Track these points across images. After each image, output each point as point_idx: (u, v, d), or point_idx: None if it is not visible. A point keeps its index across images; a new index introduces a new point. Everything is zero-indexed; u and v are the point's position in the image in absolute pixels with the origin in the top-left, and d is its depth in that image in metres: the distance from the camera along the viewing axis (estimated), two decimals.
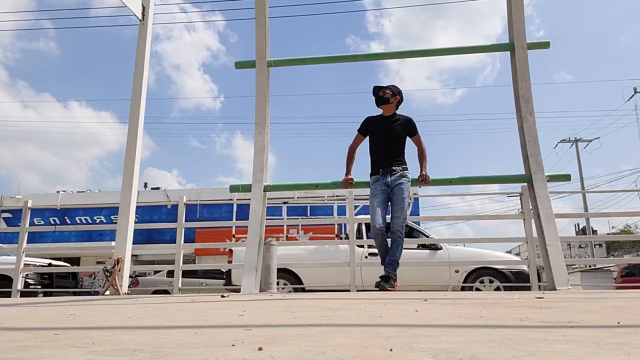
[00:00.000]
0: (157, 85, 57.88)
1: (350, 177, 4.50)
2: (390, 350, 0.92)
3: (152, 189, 25.65)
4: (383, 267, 4.22)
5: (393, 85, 4.48)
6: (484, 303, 2.29)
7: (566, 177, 4.42)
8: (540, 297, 2.67)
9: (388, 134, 4.40)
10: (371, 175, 4.45)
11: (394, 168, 4.30)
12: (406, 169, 4.35)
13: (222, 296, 3.40)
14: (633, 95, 25.18)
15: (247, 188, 4.57)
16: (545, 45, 4.42)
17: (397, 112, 4.49)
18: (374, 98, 4.48)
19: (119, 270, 4.91)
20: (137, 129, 5.16)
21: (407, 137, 4.44)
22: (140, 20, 5.33)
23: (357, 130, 4.58)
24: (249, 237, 4.38)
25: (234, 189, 4.71)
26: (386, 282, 4.05)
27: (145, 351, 0.96)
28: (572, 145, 27.45)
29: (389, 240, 4.23)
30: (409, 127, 4.46)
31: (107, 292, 4.91)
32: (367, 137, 4.51)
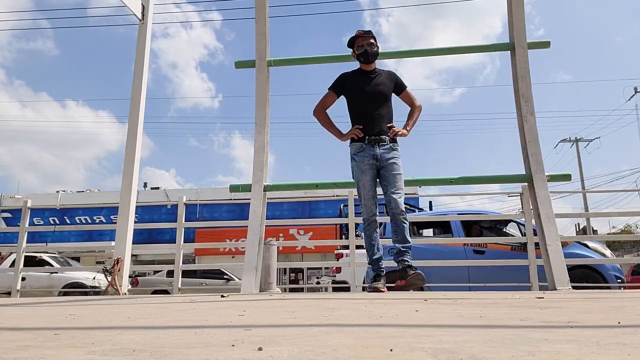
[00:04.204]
0: (154, 85, 57.93)
1: (351, 130, 3.67)
2: (391, 350, 0.92)
3: (151, 188, 25.68)
4: (374, 266, 3.61)
5: (371, 31, 3.75)
6: (484, 303, 2.29)
7: (566, 177, 4.42)
8: (540, 297, 2.67)
9: (372, 92, 3.67)
10: (352, 141, 3.67)
11: (382, 137, 3.59)
12: (395, 140, 3.69)
13: (222, 296, 3.39)
14: (633, 95, 25.22)
15: (247, 188, 4.56)
16: (545, 44, 4.41)
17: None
18: (354, 52, 3.73)
19: (119, 270, 4.91)
20: (136, 128, 5.16)
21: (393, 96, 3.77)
22: (140, 20, 5.33)
23: (329, 88, 3.81)
24: (249, 237, 4.37)
25: (233, 188, 4.71)
26: (412, 269, 3.42)
27: (145, 351, 0.96)
28: (572, 144, 27.46)
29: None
30: (395, 83, 3.77)
31: (107, 292, 4.91)
32: (340, 97, 3.82)
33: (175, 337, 1.20)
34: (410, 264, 3.46)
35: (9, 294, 10.18)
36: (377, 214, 3.67)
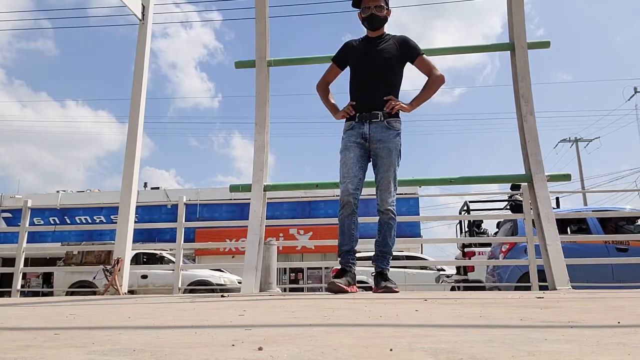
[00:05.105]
0: (154, 85, 58.03)
1: (344, 107, 3.17)
2: (391, 350, 0.92)
3: (151, 188, 25.69)
4: (341, 259, 3.07)
5: None
6: (485, 303, 2.29)
7: (566, 177, 4.42)
8: (540, 297, 2.67)
9: (371, 60, 3.11)
10: (346, 120, 3.21)
11: (374, 112, 3.05)
12: (394, 115, 3.11)
13: (222, 296, 3.39)
14: (633, 95, 25.24)
15: (247, 188, 4.56)
16: (545, 44, 4.41)
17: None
18: (360, 13, 3.15)
19: (119, 270, 4.91)
20: (136, 128, 5.16)
21: (406, 67, 3.22)
22: (140, 20, 5.32)
23: (332, 60, 3.37)
24: (249, 237, 4.37)
25: (233, 188, 4.71)
26: (386, 280, 3.03)
27: (146, 351, 0.96)
28: (572, 144, 27.47)
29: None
30: (405, 50, 3.15)
31: (107, 292, 4.91)
32: (346, 69, 3.31)
33: (175, 337, 1.20)
34: (383, 271, 3.04)
35: (132, 292, 10.11)
36: (356, 196, 3.07)
